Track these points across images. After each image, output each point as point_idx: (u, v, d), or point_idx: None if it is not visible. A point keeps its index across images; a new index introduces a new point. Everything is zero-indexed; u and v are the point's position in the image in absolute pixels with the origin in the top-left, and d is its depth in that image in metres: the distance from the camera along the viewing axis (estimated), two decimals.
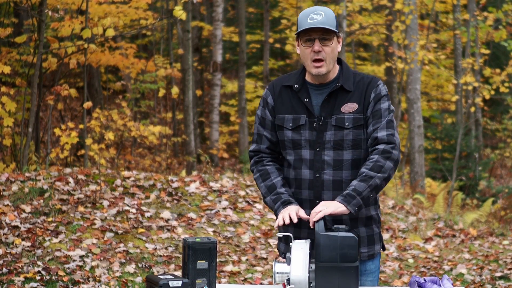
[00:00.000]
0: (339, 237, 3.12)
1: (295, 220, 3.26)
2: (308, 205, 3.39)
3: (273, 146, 3.51)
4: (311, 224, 3.19)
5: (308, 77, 3.45)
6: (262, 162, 3.51)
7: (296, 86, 3.43)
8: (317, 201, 3.37)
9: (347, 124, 3.35)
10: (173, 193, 8.00)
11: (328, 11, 3.33)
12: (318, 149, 3.38)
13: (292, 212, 3.27)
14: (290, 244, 3.18)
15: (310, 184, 3.39)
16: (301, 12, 3.37)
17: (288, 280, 3.10)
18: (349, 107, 3.37)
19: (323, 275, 3.10)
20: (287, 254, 3.17)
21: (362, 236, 3.40)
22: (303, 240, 3.18)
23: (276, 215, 3.40)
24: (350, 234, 3.13)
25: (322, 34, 3.32)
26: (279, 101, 3.46)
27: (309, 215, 3.27)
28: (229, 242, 7.41)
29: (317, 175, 3.38)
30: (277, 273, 3.13)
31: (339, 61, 3.47)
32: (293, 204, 3.35)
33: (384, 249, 3.56)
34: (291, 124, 3.42)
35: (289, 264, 3.12)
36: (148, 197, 7.82)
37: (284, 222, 3.26)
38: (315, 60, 3.34)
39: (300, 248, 3.13)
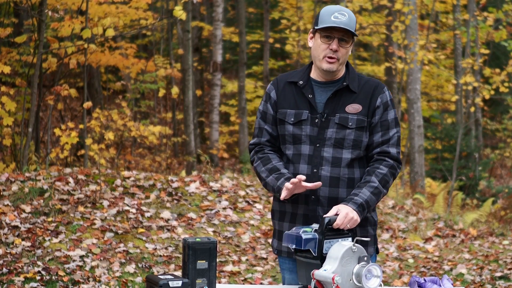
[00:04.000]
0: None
1: (303, 178, 3.28)
2: (303, 201, 3.42)
3: (273, 140, 3.54)
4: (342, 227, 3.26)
5: (313, 74, 3.50)
6: (263, 150, 3.54)
7: (301, 82, 3.48)
8: (313, 197, 3.41)
9: (350, 124, 3.40)
10: (173, 193, 8.00)
11: (351, 14, 3.40)
12: (318, 145, 3.42)
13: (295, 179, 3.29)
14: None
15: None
16: (324, 7, 3.43)
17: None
18: (354, 107, 3.42)
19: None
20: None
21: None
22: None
23: (279, 190, 3.39)
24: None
25: (343, 35, 3.38)
26: (282, 96, 3.51)
27: (304, 212, 3.41)
28: (229, 242, 7.41)
29: (315, 170, 3.41)
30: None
31: (346, 62, 3.52)
32: None
33: (378, 251, 3.58)
34: (292, 119, 3.46)
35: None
36: (148, 197, 7.82)
37: (293, 185, 3.28)
38: (329, 57, 3.39)
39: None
